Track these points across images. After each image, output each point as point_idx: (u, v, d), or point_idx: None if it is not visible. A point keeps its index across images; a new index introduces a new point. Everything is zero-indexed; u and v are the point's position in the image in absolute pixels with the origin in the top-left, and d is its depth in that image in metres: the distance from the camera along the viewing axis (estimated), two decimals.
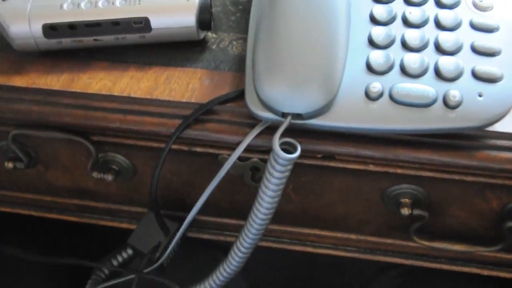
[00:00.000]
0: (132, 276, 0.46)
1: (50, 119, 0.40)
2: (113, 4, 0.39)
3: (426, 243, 0.45)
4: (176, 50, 0.42)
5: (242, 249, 0.39)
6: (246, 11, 0.46)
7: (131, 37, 0.41)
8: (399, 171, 0.40)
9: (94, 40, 0.41)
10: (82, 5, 0.39)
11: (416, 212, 0.42)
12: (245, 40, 0.43)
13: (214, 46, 0.43)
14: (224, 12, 0.45)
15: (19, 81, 0.41)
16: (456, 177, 0.40)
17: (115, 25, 0.40)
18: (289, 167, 0.34)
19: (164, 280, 0.45)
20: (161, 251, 0.43)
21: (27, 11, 0.40)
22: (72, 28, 0.40)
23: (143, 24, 0.40)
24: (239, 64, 0.41)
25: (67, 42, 0.41)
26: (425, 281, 0.58)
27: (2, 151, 0.46)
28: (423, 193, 0.42)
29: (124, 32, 0.40)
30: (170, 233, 0.43)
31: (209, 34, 0.44)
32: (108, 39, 0.41)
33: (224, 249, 0.63)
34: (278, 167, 0.34)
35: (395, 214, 0.43)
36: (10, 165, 0.45)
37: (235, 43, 0.43)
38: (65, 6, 0.40)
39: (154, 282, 0.45)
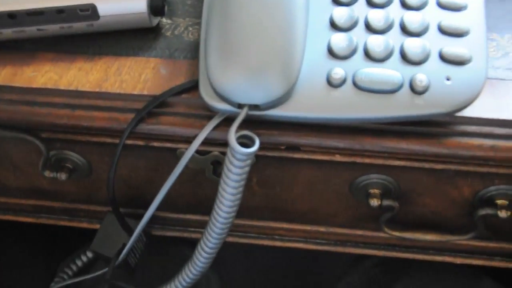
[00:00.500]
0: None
1: None
2: None
3: (397, 233, 0.43)
4: (127, 38, 0.39)
5: (207, 249, 0.37)
6: None
7: (78, 26, 0.38)
8: (367, 160, 0.38)
9: (38, 30, 0.38)
10: None
11: (386, 202, 0.40)
12: (199, 24, 0.41)
13: (168, 33, 0.40)
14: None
15: None
16: (426, 165, 0.38)
17: (60, 13, 0.37)
18: (249, 161, 0.32)
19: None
20: (127, 252, 0.41)
21: None
22: (12, 17, 0.37)
23: (89, 11, 0.37)
24: (195, 52, 0.39)
25: (7, 33, 0.38)
26: (401, 270, 0.57)
27: None
28: (392, 183, 0.41)
29: (69, 20, 0.37)
30: (134, 233, 0.41)
31: (163, 20, 0.41)
32: (53, 28, 0.38)
33: (193, 245, 0.62)
34: (236, 162, 0.32)
35: (364, 205, 0.42)
36: None
37: (191, 28, 0.41)
38: None
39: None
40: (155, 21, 0.40)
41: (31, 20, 0.37)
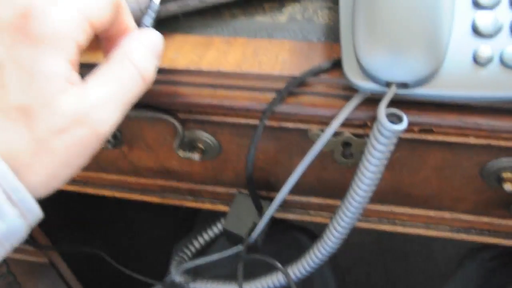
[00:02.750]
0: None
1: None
2: None
3: None
4: (259, 21, 0.41)
5: (339, 228, 0.38)
6: None
7: None
8: (503, 143, 0.37)
9: (200, 1, 0.39)
10: None
11: None
12: (330, 8, 0.41)
13: (298, 16, 0.41)
14: None
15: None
16: None
17: None
18: (394, 140, 0.32)
19: (267, 259, 0.44)
20: (260, 231, 0.42)
21: None
22: None
23: None
24: (328, 34, 0.39)
25: (173, 6, 0.39)
26: None
27: None
28: None
29: None
30: (265, 213, 0.42)
31: (292, 3, 0.42)
32: None
33: (308, 233, 0.62)
34: (383, 139, 0.32)
35: (494, 190, 0.41)
36: None
37: (320, 12, 0.41)
38: None
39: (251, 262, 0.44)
40: None
41: None
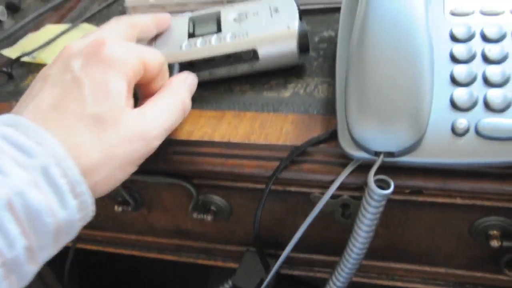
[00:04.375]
0: None
1: (158, 165, 0.44)
2: (224, 40, 0.45)
3: None
4: (266, 96, 0.46)
5: (338, 283, 0.41)
6: (327, 57, 0.49)
7: (242, 67, 0.46)
8: (486, 203, 0.41)
9: (209, 74, 0.46)
10: (198, 44, 0.45)
11: (506, 244, 0.43)
12: (329, 84, 0.46)
13: (301, 91, 0.46)
14: (307, 59, 0.48)
15: None
16: None
17: (228, 58, 0.45)
18: (383, 202, 0.37)
19: None
20: (265, 286, 0.46)
21: None
22: (192, 65, 0.45)
23: (251, 54, 0.45)
24: (326, 107, 0.44)
25: None
26: None
27: (112, 196, 0.50)
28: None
29: (235, 63, 0.46)
30: (271, 270, 0.46)
31: (295, 79, 0.47)
32: (221, 72, 0.46)
33: (309, 285, 0.65)
34: (373, 203, 0.36)
35: (484, 246, 0.44)
36: (119, 208, 0.49)
37: (320, 87, 0.47)
38: (183, 46, 0.45)
39: None
40: (302, 58, 0.47)
41: (205, 66, 0.46)
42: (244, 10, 0.47)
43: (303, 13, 0.48)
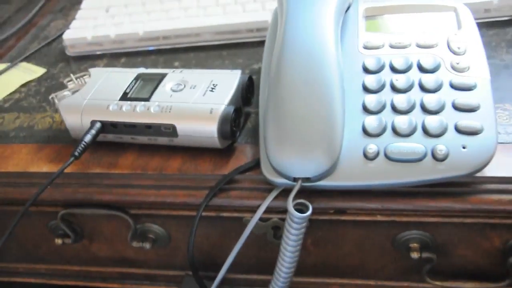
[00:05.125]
0: None
1: (93, 198, 0.46)
2: (148, 110, 0.45)
3: (439, 283, 0.49)
4: None
5: None
6: (257, 88, 0.52)
7: (162, 140, 0.46)
8: (404, 219, 0.45)
9: (131, 138, 0.47)
10: (124, 108, 0.46)
11: (425, 255, 0.46)
12: (257, 114, 0.49)
13: None
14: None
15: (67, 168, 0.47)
16: (456, 220, 0.44)
17: (148, 128, 0.46)
18: (304, 224, 0.40)
19: None
20: None
21: (81, 109, 0.47)
22: (114, 126, 0.47)
23: (171, 130, 0.45)
24: (254, 137, 0.47)
25: (110, 137, 0.48)
26: None
27: (52, 229, 0.52)
28: (429, 237, 0.46)
29: (155, 134, 0.46)
30: None
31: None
32: (142, 139, 0.47)
33: None
34: (294, 225, 0.39)
35: (407, 258, 0.48)
36: (59, 241, 0.51)
37: (250, 117, 0.49)
38: (110, 107, 0.46)
39: None
40: (225, 143, 0.46)
41: (127, 131, 0.47)
42: (186, 79, 0.48)
43: (236, 46, 0.51)
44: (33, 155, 0.50)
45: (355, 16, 0.49)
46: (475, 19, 0.49)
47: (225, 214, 0.46)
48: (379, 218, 0.45)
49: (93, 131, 0.46)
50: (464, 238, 0.46)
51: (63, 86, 0.53)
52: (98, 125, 0.46)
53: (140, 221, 0.49)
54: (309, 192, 0.42)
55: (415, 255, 0.46)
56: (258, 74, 0.54)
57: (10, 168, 0.49)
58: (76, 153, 0.44)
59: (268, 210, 0.42)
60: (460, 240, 0.47)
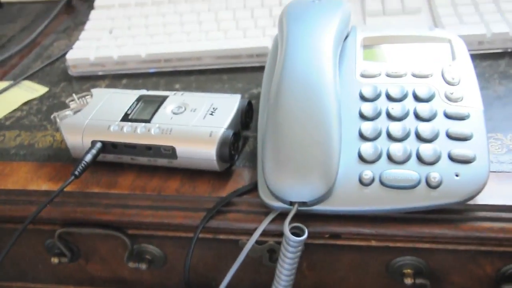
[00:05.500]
0: None
1: (91, 217, 0.46)
2: (148, 131, 0.46)
3: None
4: None
5: None
6: (256, 112, 0.53)
7: (161, 161, 0.47)
8: (398, 244, 0.45)
9: (131, 159, 0.48)
10: (125, 129, 0.47)
11: (419, 281, 0.47)
12: (255, 138, 0.50)
13: None
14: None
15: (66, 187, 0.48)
16: (449, 246, 0.45)
17: (148, 149, 0.47)
18: (300, 247, 0.40)
19: None
20: None
21: (82, 128, 0.48)
22: (114, 146, 0.47)
23: (170, 151, 0.46)
24: (252, 160, 0.48)
25: (110, 157, 0.48)
26: None
27: (48, 248, 0.52)
28: (422, 263, 0.47)
29: (155, 156, 0.47)
30: None
31: None
32: (142, 160, 0.48)
33: None
34: (290, 248, 0.40)
35: (401, 284, 0.48)
36: (55, 260, 0.51)
37: (248, 140, 0.50)
38: (111, 128, 0.47)
39: None
40: (224, 166, 0.47)
41: (127, 151, 0.47)
42: (186, 102, 0.49)
43: (236, 71, 0.52)
44: (33, 173, 0.51)
45: (353, 45, 0.51)
46: (469, 50, 0.50)
47: (221, 236, 0.47)
48: (373, 243, 0.45)
49: (93, 151, 0.46)
50: (457, 265, 0.47)
51: (64, 106, 0.54)
52: (98, 145, 0.47)
53: (137, 242, 0.50)
54: (305, 216, 0.42)
55: (408, 281, 0.47)
56: (257, 99, 0.55)
57: (10, 186, 0.50)
58: (77, 172, 0.45)
59: (264, 233, 0.43)
60: (453, 267, 0.47)
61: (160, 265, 0.52)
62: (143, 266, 0.50)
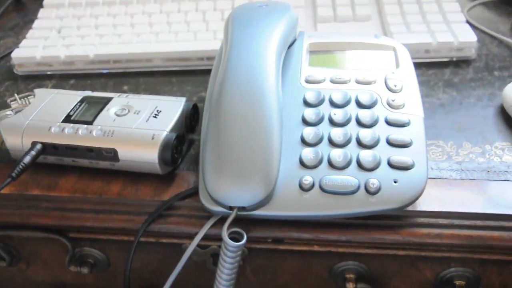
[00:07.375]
0: None
1: (30, 221, 0.45)
2: (90, 133, 0.46)
3: None
4: None
5: None
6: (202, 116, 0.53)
7: (103, 163, 0.46)
8: (340, 249, 0.46)
9: (73, 161, 0.47)
10: (66, 130, 0.46)
11: (361, 286, 0.47)
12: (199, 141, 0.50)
13: None
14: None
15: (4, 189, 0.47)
16: (390, 252, 0.45)
17: (90, 152, 0.46)
18: (239, 252, 0.40)
19: None
20: None
21: (22, 129, 0.47)
22: (55, 148, 0.46)
23: (112, 154, 0.45)
24: (197, 163, 0.48)
25: (51, 159, 0.47)
26: None
27: None
28: (364, 268, 0.48)
29: (96, 158, 0.46)
30: None
31: None
32: (83, 162, 0.47)
33: None
34: (228, 253, 0.40)
35: None
36: None
37: (195, 144, 0.50)
38: (52, 129, 0.46)
39: None
40: (167, 169, 0.46)
41: (68, 153, 0.46)
42: (130, 104, 0.48)
43: (186, 73, 0.51)
44: None
45: (299, 51, 0.51)
46: (416, 58, 0.51)
47: (164, 240, 0.46)
48: (315, 248, 0.46)
49: (33, 152, 0.45)
50: (398, 270, 0.48)
51: (6, 106, 0.52)
52: (38, 146, 0.46)
53: (79, 245, 0.49)
54: (247, 221, 0.42)
55: (350, 285, 0.47)
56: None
57: None
58: (14, 174, 0.44)
59: (206, 238, 0.43)
60: (394, 272, 0.48)
61: (104, 268, 0.51)
62: (85, 270, 0.49)
